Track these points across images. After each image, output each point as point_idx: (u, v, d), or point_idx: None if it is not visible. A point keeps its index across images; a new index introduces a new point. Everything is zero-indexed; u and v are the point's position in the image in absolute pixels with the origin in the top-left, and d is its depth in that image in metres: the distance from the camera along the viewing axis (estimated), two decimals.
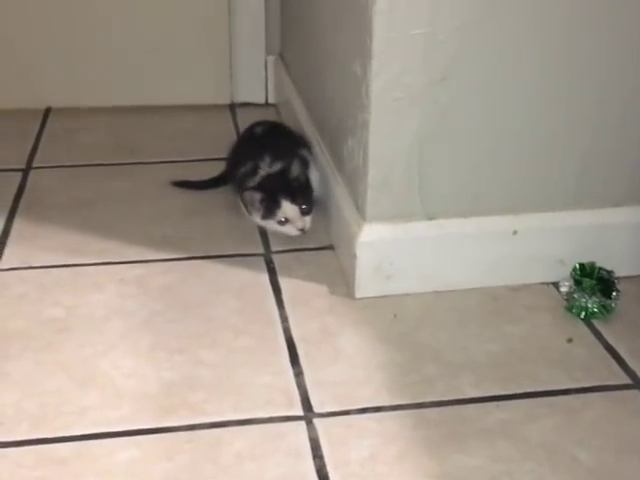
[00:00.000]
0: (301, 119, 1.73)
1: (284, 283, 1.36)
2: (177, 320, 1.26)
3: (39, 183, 1.69)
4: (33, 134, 1.92)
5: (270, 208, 1.43)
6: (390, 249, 1.30)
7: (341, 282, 1.36)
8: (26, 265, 1.40)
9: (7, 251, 1.44)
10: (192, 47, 2.04)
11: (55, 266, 1.40)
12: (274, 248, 1.47)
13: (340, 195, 1.41)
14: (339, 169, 1.44)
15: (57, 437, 1.04)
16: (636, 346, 1.22)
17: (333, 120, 1.48)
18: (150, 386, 1.12)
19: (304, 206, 1.43)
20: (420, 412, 1.09)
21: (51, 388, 1.12)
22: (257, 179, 1.48)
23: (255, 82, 2.11)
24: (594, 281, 1.29)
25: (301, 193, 1.43)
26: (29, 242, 1.46)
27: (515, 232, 1.32)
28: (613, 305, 1.28)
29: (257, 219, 1.47)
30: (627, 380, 1.16)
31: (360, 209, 1.31)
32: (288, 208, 1.42)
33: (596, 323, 1.27)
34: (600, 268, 1.31)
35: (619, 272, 1.31)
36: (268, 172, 1.47)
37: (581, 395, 1.13)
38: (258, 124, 1.66)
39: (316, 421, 1.07)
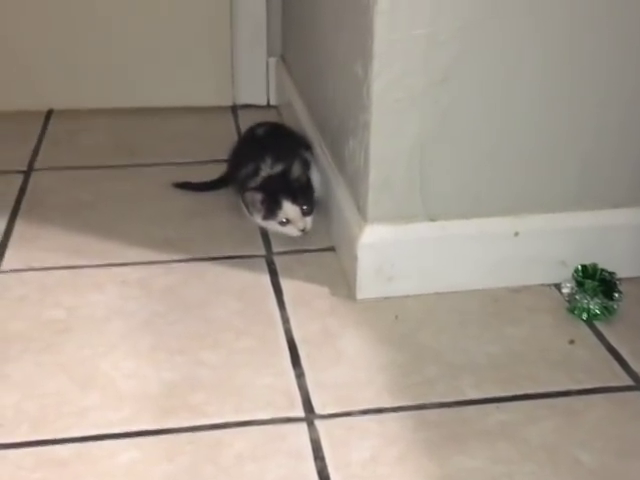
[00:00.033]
0: (302, 120, 1.73)
1: (285, 284, 1.36)
2: (178, 321, 1.26)
3: (40, 185, 1.69)
4: (35, 136, 1.92)
5: (271, 209, 1.43)
6: (391, 250, 1.30)
7: (342, 283, 1.36)
8: (27, 266, 1.40)
9: (8, 252, 1.44)
10: (193, 49, 2.05)
11: (56, 267, 1.40)
12: (275, 249, 1.47)
13: (341, 196, 1.41)
14: (340, 170, 1.44)
15: (57, 439, 1.04)
16: (638, 347, 1.21)
17: (334, 121, 1.48)
18: (151, 387, 1.12)
19: (305, 207, 1.43)
20: (421, 413, 1.09)
21: (51, 389, 1.12)
22: (258, 180, 1.48)
23: (257, 84, 2.11)
24: (596, 282, 1.29)
25: (302, 194, 1.43)
26: (30, 243, 1.46)
27: (516, 233, 1.32)
28: (615, 306, 1.28)
29: (258, 220, 1.47)
30: (629, 382, 1.15)
31: (361, 210, 1.31)
32: (289, 209, 1.42)
33: (598, 324, 1.27)
34: (602, 269, 1.30)
35: (621, 273, 1.31)
36: (269, 173, 1.47)
37: (583, 397, 1.12)
38: (259, 125, 1.66)
39: (317, 422, 1.07)
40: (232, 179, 1.60)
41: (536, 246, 1.33)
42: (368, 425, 1.06)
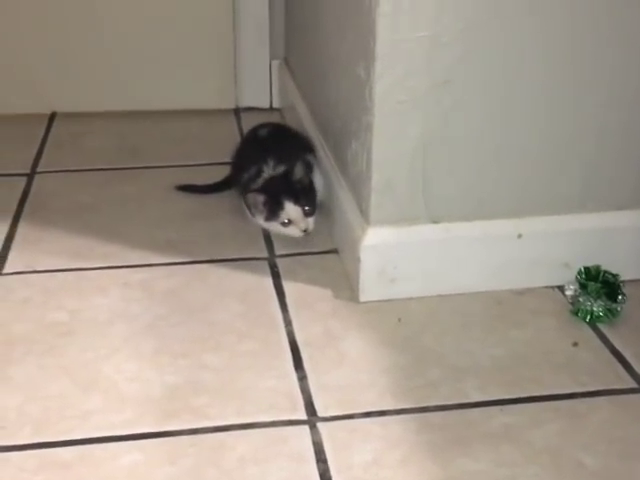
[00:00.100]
0: (305, 123, 1.73)
1: (288, 287, 1.36)
2: (181, 324, 1.26)
3: (44, 187, 1.70)
4: (38, 139, 1.92)
5: (273, 210, 1.43)
6: (394, 253, 1.30)
7: (345, 286, 1.36)
8: (30, 269, 1.40)
9: (11, 255, 1.44)
10: (197, 52, 2.05)
11: (59, 270, 1.40)
12: (278, 252, 1.47)
13: (344, 199, 1.41)
14: (343, 173, 1.44)
15: (60, 441, 1.04)
16: None
17: (337, 123, 1.47)
18: (153, 390, 1.12)
19: (307, 207, 1.43)
20: (424, 416, 1.08)
21: (54, 392, 1.12)
22: (261, 182, 1.48)
23: (260, 86, 2.11)
24: (599, 285, 1.29)
25: (304, 194, 1.43)
26: (33, 246, 1.47)
27: (520, 235, 1.32)
28: (619, 309, 1.27)
29: (260, 221, 1.47)
30: (633, 384, 1.15)
31: (364, 213, 1.31)
32: (291, 209, 1.42)
33: (602, 327, 1.26)
34: (605, 271, 1.30)
35: (624, 275, 1.30)
36: (271, 175, 1.47)
37: (586, 399, 1.12)
38: (262, 126, 1.66)
39: (320, 425, 1.07)
40: (235, 181, 1.60)
41: (539, 248, 1.33)
42: (371, 428, 1.06)
